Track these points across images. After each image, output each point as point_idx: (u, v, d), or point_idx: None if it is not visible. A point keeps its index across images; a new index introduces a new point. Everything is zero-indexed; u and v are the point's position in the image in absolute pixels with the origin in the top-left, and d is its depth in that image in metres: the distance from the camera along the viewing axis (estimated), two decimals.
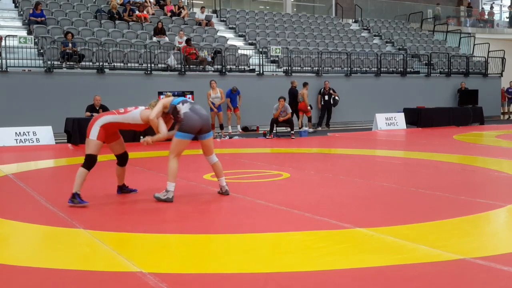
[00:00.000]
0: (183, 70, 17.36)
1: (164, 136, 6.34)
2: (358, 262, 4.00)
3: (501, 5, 35.86)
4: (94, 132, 6.22)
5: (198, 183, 7.62)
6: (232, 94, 16.93)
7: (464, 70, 23.91)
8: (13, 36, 15.25)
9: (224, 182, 6.72)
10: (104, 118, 6.32)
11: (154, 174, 8.70)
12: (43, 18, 17.05)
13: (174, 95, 6.80)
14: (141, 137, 6.62)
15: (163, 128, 6.27)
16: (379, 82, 21.30)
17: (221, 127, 15.95)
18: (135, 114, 6.33)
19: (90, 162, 6.24)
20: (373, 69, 21.60)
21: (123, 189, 6.98)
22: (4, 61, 14.89)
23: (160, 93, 14.60)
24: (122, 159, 6.79)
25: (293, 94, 17.66)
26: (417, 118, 19.07)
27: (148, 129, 6.57)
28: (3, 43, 14.94)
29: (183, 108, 6.27)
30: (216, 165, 6.67)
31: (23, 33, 16.85)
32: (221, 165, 6.74)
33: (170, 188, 6.35)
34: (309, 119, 17.66)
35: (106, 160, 10.57)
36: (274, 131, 15.65)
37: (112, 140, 6.60)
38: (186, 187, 7.27)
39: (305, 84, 17.57)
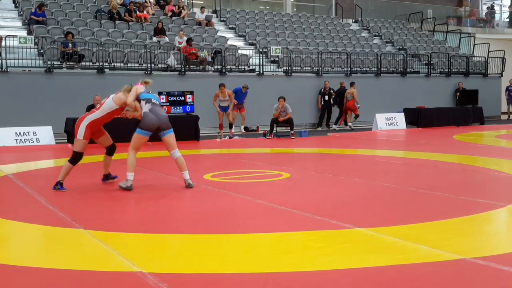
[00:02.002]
0: (183, 70, 17.36)
1: (140, 114, 7.09)
2: (358, 262, 3.99)
3: (501, 5, 35.85)
4: (81, 132, 7.06)
5: (198, 183, 7.62)
6: (242, 93, 16.76)
7: (464, 70, 23.91)
8: (13, 36, 15.25)
9: (187, 175, 7.20)
10: (88, 118, 7.14)
11: (154, 174, 8.70)
12: (43, 18, 17.04)
13: (147, 92, 7.36)
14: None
15: (139, 108, 7.11)
16: (379, 82, 21.31)
17: (231, 126, 15.88)
18: (108, 102, 7.18)
19: (76, 158, 7.17)
20: (373, 69, 21.60)
21: (108, 177, 7.72)
22: (4, 61, 14.88)
23: (160, 93, 14.62)
24: (111, 150, 7.61)
25: (341, 93, 19.06)
26: (417, 118, 19.07)
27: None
28: (3, 43, 14.94)
29: (144, 108, 7.05)
30: (179, 160, 7.19)
31: (23, 33, 16.85)
32: (184, 160, 7.23)
33: (130, 178, 7.01)
34: (356, 116, 18.91)
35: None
36: (274, 131, 15.65)
37: (99, 136, 7.45)
38: (185, 188, 7.26)
39: (352, 84, 18.95)
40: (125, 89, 7.21)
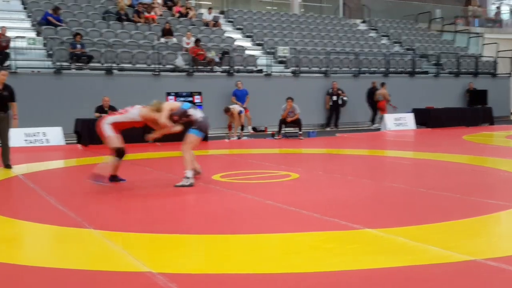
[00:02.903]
0: (191, 71, 17.39)
1: (172, 130, 7.40)
2: (367, 263, 3.98)
3: (510, 5, 35.61)
4: (107, 130, 7.22)
5: (207, 183, 7.63)
6: (242, 95, 16.83)
7: (473, 70, 23.78)
8: (21, 37, 15.31)
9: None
10: (109, 118, 7.33)
11: (163, 174, 8.71)
12: (58, 22, 17.06)
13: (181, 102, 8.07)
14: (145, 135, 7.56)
15: (174, 126, 7.39)
16: (388, 83, 21.12)
17: (242, 127, 15.91)
18: (134, 113, 7.35)
19: (119, 153, 7.29)
20: (381, 69, 21.52)
21: (115, 178, 7.74)
22: (13, 62, 14.97)
23: (168, 94, 14.63)
24: (120, 152, 7.59)
25: (372, 93, 19.26)
26: (426, 118, 18.98)
27: (146, 127, 7.67)
28: (12, 44, 15.01)
29: (197, 113, 7.50)
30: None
31: (32, 34, 16.92)
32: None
33: (189, 175, 7.33)
34: (381, 118, 18.89)
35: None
36: (282, 132, 15.63)
37: None
38: (195, 188, 7.28)
39: (383, 84, 19.24)
40: (154, 104, 7.36)
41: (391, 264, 3.92)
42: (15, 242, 4.92)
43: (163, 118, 7.23)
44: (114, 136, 7.23)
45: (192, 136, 7.44)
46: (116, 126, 7.34)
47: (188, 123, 7.52)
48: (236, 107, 15.51)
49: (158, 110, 7.28)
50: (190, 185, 7.28)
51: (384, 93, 19.06)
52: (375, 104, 19.26)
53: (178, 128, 7.47)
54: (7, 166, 9.39)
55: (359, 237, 4.72)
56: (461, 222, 5.21)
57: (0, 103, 9.25)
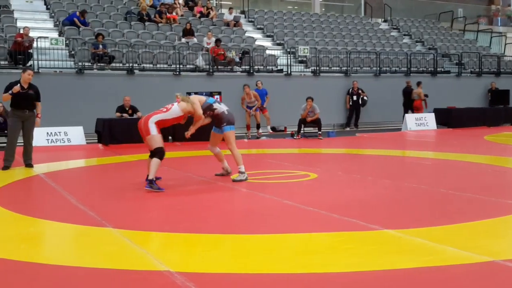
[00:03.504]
0: (211, 70, 17.45)
1: (203, 123, 7.74)
2: (386, 264, 3.95)
3: None
4: (153, 129, 7.16)
5: (225, 183, 7.65)
6: (262, 94, 16.84)
7: (495, 70, 23.46)
8: (44, 37, 15.52)
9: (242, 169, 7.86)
10: (154, 117, 7.24)
11: (181, 174, 8.76)
12: (83, 25, 17.25)
13: (206, 96, 8.24)
14: (169, 137, 7.44)
15: (205, 119, 7.75)
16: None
17: (258, 126, 15.95)
18: (175, 109, 7.39)
19: (162, 153, 7.18)
20: (402, 68, 21.35)
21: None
22: (36, 62, 15.18)
23: (188, 94, 14.70)
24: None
25: (407, 92, 19.45)
26: (448, 118, 18.78)
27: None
28: (35, 45, 15.23)
29: (222, 107, 7.82)
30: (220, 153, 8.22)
31: (55, 34, 17.15)
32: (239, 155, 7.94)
33: (243, 170, 7.74)
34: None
35: (135, 160, 10.71)
36: (301, 132, 15.60)
37: None
38: (213, 188, 7.31)
39: (419, 83, 19.35)
40: (184, 99, 7.50)
41: (409, 265, 3.89)
42: (36, 241, 4.99)
43: (199, 111, 7.47)
44: (157, 136, 7.20)
45: (230, 133, 7.81)
46: (159, 124, 7.30)
47: (213, 117, 7.78)
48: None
49: (187, 102, 7.46)
50: (246, 179, 7.68)
51: (419, 92, 19.15)
52: (411, 104, 19.28)
53: (207, 120, 7.76)
54: (28, 165, 9.51)
55: (377, 237, 4.69)
56: (480, 222, 5.15)
57: (26, 102, 9.42)
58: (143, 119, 7.32)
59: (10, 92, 9.18)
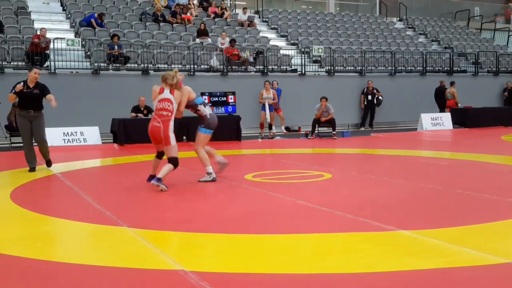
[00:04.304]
0: (225, 71, 17.48)
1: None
2: (400, 265, 3.93)
3: None
4: (173, 138, 7.26)
5: (239, 183, 7.66)
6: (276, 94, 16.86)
7: None
8: (61, 38, 15.66)
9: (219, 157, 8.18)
10: (171, 126, 7.26)
11: (196, 174, 8.78)
12: (99, 27, 17.39)
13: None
14: (184, 137, 7.50)
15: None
16: (425, 82, 20.89)
17: (270, 127, 15.97)
18: (174, 106, 7.37)
19: (177, 163, 7.24)
20: (418, 68, 21.21)
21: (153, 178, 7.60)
22: (52, 63, 15.33)
23: (202, 94, 14.74)
24: (162, 153, 7.62)
25: (441, 92, 19.69)
26: (464, 118, 18.61)
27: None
28: (51, 46, 15.38)
29: (206, 110, 7.88)
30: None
31: (71, 35, 17.29)
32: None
33: (210, 170, 7.75)
34: None
35: (150, 160, 10.76)
36: (316, 132, 15.57)
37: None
38: (227, 187, 7.33)
39: (452, 83, 19.57)
40: (177, 88, 7.45)
41: (424, 267, 3.86)
42: (52, 240, 5.04)
43: (182, 108, 7.55)
44: (176, 146, 7.32)
45: (203, 135, 7.83)
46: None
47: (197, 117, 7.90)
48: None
49: (175, 84, 7.40)
50: (213, 180, 7.70)
51: (453, 91, 19.32)
52: (444, 103, 19.45)
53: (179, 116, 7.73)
54: (48, 162, 9.40)
55: (392, 238, 4.66)
56: (497, 223, 5.10)
57: (30, 102, 8.98)
58: (161, 129, 7.18)
59: (13, 91, 8.87)
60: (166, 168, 7.13)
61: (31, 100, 8.97)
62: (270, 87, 16.08)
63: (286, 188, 7.24)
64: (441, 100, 19.61)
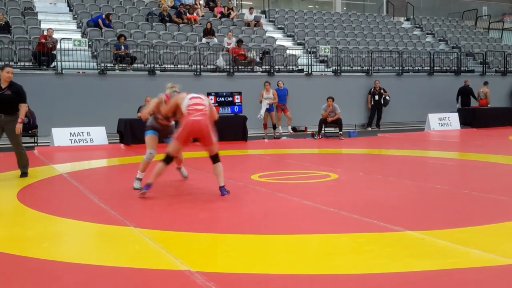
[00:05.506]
0: (231, 71, 17.48)
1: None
2: (407, 266, 3.91)
3: None
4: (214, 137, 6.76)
5: (246, 184, 7.65)
6: (283, 94, 16.82)
7: None
8: (68, 39, 15.71)
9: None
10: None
11: (202, 174, 8.78)
12: (106, 27, 17.44)
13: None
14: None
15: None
16: (432, 81, 20.81)
17: (274, 127, 15.95)
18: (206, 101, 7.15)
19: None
20: (425, 68, 21.14)
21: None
22: (59, 63, 15.38)
23: (208, 94, 14.76)
24: (172, 159, 7.21)
25: (467, 92, 19.95)
26: (472, 118, 18.52)
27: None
28: (58, 46, 15.43)
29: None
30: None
31: (78, 36, 17.34)
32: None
33: (140, 176, 7.36)
34: None
35: (156, 160, 10.76)
36: (322, 132, 15.54)
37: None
38: (233, 188, 7.31)
39: (486, 83, 19.96)
40: (172, 96, 7.51)
41: (431, 268, 3.84)
42: (58, 240, 5.04)
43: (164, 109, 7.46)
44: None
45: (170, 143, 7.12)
46: None
47: (167, 126, 7.64)
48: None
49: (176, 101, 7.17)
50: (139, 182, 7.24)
51: (486, 91, 19.47)
52: (469, 103, 19.71)
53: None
54: (23, 174, 8.41)
55: (399, 239, 4.64)
56: (505, 224, 5.06)
57: (3, 105, 7.97)
58: (208, 123, 6.66)
59: None
60: (220, 171, 6.76)
61: (1, 103, 7.96)
62: (270, 87, 16.02)
63: (293, 189, 7.23)
64: (466, 100, 19.82)
